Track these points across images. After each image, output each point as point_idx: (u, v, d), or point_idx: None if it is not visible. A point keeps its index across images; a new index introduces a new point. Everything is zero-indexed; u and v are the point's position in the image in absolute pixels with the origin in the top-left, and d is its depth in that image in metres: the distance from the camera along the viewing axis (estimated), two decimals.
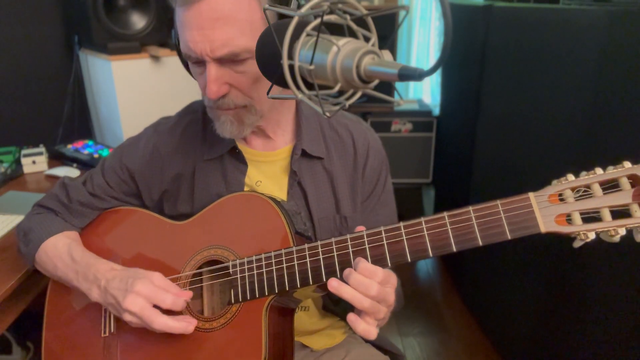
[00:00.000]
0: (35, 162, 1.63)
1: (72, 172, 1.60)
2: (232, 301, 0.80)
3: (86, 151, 1.70)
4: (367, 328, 0.69)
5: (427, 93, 3.33)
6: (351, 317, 0.70)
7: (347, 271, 0.70)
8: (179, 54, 0.83)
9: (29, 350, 1.72)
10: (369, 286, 0.68)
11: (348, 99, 0.52)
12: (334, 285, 0.69)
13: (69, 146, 1.73)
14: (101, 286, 0.82)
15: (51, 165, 1.66)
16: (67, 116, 2.07)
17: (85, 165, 1.63)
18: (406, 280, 2.38)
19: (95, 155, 1.68)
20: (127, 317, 0.78)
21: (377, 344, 1.02)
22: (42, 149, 1.66)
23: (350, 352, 0.97)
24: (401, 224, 0.71)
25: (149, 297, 0.77)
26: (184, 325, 0.77)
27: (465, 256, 2.14)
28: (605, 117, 1.23)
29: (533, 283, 1.58)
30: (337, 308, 0.98)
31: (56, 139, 2.01)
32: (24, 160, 1.62)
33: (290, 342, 0.85)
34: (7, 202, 1.39)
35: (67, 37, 2.10)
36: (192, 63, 0.79)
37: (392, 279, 0.72)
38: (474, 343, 1.97)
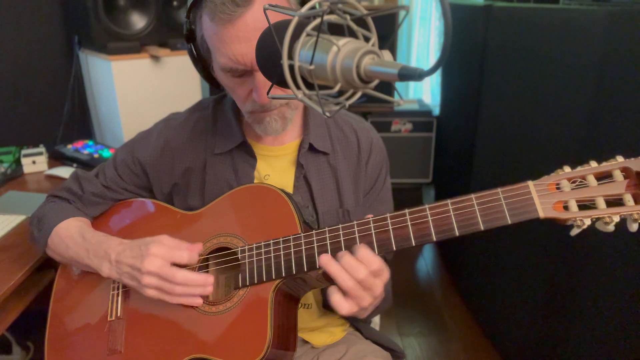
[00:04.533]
0: (35, 162, 1.63)
1: (72, 172, 1.60)
2: (240, 285, 0.81)
3: (86, 151, 1.70)
4: (341, 302, 0.70)
5: (427, 93, 3.33)
6: (331, 288, 0.71)
7: (341, 253, 0.72)
8: (198, 64, 0.85)
9: (29, 350, 1.72)
10: (358, 269, 0.69)
11: (348, 99, 0.52)
12: (324, 260, 0.71)
13: (69, 146, 1.73)
14: (112, 260, 0.84)
15: (51, 165, 1.66)
16: (67, 116, 2.07)
17: (85, 165, 1.63)
18: (406, 280, 2.38)
19: (95, 155, 1.68)
20: (147, 280, 0.79)
21: (377, 342, 1.03)
22: (42, 149, 1.66)
23: (351, 347, 0.99)
24: (406, 210, 0.73)
25: (166, 256, 0.79)
26: (204, 277, 0.79)
27: (465, 256, 2.14)
28: (605, 117, 1.23)
29: (533, 283, 1.58)
30: None
31: (56, 139, 2.01)
32: (24, 160, 1.62)
33: (294, 330, 0.86)
34: (7, 202, 1.39)
35: (67, 37, 2.10)
36: (233, 75, 0.80)
37: (385, 273, 0.74)
38: (474, 343, 1.97)
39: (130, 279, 0.82)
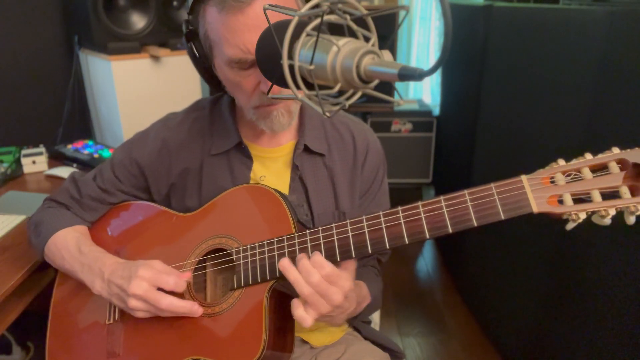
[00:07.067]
0: (35, 162, 1.63)
1: (68, 175, 1.60)
2: (235, 286, 0.81)
3: (86, 151, 1.70)
4: (303, 315, 0.71)
5: (427, 93, 3.33)
6: (294, 301, 0.72)
7: (299, 256, 0.73)
8: (197, 61, 0.85)
9: (29, 350, 1.72)
10: (311, 273, 0.70)
11: (348, 99, 0.52)
12: (285, 264, 0.73)
13: (69, 146, 1.73)
14: (105, 278, 0.84)
15: (51, 165, 1.66)
16: (67, 116, 2.07)
17: (85, 165, 1.63)
18: (406, 280, 2.38)
19: (95, 155, 1.68)
20: (133, 303, 0.79)
21: (376, 342, 1.03)
22: (42, 149, 1.66)
23: (350, 347, 0.98)
24: (399, 208, 0.73)
25: (153, 280, 0.79)
26: (189, 304, 0.80)
27: (465, 256, 2.14)
28: (605, 118, 1.23)
29: (533, 283, 1.58)
30: None
31: (56, 139, 2.01)
32: (24, 160, 1.62)
33: (291, 331, 0.86)
34: (7, 202, 1.39)
35: (67, 37, 2.10)
36: (240, 68, 0.79)
37: (344, 282, 0.73)
38: (474, 343, 1.97)
39: (118, 300, 0.83)
